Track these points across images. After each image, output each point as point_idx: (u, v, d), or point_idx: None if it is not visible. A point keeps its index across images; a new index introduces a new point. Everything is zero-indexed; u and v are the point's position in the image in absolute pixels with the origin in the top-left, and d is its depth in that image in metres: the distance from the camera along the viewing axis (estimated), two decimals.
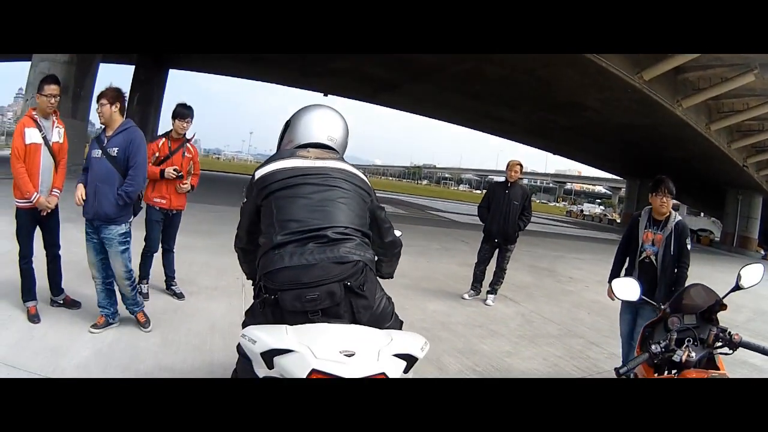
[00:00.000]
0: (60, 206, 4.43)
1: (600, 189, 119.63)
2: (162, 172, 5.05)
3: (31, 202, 4.17)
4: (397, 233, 2.58)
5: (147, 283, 5.25)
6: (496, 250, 7.22)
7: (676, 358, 2.29)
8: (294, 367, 1.70)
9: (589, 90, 20.91)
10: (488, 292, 7.21)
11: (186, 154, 5.27)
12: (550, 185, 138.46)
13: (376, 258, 2.40)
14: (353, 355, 1.73)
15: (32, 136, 4.17)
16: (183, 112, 5.23)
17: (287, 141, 2.45)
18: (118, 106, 4.14)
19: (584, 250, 17.02)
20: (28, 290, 4.29)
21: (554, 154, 46.39)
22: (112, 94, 4.13)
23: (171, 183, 5.17)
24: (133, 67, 27.68)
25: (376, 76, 26.95)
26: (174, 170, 5.09)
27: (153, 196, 5.13)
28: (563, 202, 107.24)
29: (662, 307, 2.75)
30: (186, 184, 5.22)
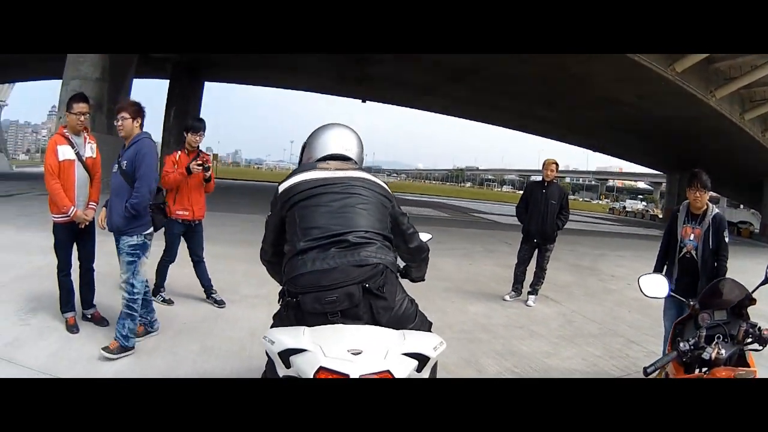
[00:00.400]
0: (96, 221, 4.45)
1: (641, 185, 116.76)
2: (188, 169, 5.12)
3: (68, 216, 4.21)
4: (425, 237, 2.61)
5: (164, 290, 5.38)
6: (536, 251, 7.15)
7: (705, 356, 2.25)
8: (305, 366, 1.76)
9: (624, 85, 20.65)
10: (529, 293, 7.13)
11: None
12: (592, 183, 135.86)
13: (402, 263, 2.49)
14: (360, 353, 1.77)
15: (65, 152, 4.21)
16: (195, 125, 5.35)
17: (306, 159, 2.53)
18: (140, 121, 4.12)
19: (626, 247, 16.54)
20: (66, 301, 4.40)
21: (594, 151, 45.61)
22: (134, 109, 4.12)
23: (193, 193, 5.29)
24: (167, 81, 27.28)
25: (412, 80, 26.99)
26: (198, 164, 5.17)
27: (175, 209, 5.19)
28: (606, 200, 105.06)
29: (691, 303, 2.71)
30: (209, 168, 5.29)
